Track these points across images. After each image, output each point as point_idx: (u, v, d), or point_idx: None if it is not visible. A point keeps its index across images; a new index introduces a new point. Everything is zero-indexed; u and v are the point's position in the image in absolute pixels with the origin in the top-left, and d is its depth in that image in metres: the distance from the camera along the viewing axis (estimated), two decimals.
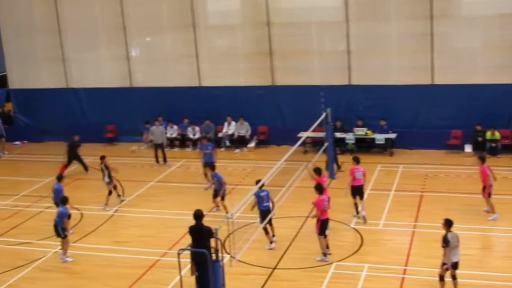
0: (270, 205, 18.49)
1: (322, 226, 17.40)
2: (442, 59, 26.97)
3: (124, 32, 30.70)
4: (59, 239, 18.56)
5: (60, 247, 18.76)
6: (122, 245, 19.27)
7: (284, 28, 28.95)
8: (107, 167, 22.37)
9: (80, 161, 27.16)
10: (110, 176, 22.36)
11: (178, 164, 27.38)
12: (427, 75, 27.18)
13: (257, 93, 29.37)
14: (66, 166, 26.71)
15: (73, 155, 26.90)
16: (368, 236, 18.75)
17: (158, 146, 27.50)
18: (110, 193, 22.43)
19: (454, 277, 15.10)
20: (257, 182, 17.89)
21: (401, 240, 18.44)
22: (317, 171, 19.65)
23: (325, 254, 17.38)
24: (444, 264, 15.01)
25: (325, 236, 17.63)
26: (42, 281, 17.38)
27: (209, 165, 22.32)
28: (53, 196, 20.72)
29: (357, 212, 20.17)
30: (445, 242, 14.82)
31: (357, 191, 19.95)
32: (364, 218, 19.80)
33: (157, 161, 27.42)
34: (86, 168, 27.07)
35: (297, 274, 16.74)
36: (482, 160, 19.99)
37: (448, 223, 14.99)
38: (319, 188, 17.54)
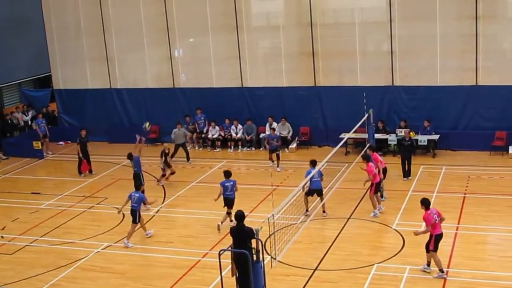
0: (234, 194, 20.39)
1: (436, 242, 16.29)
2: (487, 60, 26.71)
3: (168, 33, 31.02)
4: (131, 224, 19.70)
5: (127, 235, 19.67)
6: (164, 245, 19.52)
7: (327, 29, 28.99)
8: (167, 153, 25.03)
9: (87, 159, 27.39)
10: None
11: (220, 164, 27.58)
12: (471, 76, 26.92)
13: (299, 94, 29.45)
14: (86, 163, 27.18)
15: (84, 151, 27.08)
16: (410, 237, 18.60)
17: (178, 146, 28.09)
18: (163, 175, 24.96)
19: None
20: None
21: (443, 242, 18.11)
22: (366, 157, 20.61)
23: (442, 271, 16.38)
24: None
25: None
26: (85, 281, 17.64)
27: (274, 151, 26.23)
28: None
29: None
30: None
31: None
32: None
33: (172, 157, 27.76)
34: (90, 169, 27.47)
35: (338, 275, 16.77)
36: None
37: None
38: (426, 203, 16.49)
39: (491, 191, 22.31)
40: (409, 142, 24.60)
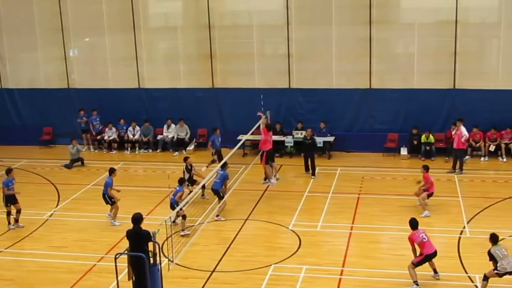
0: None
1: (424, 259, 15.77)
2: (381, 63, 27.53)
3: (62, 32, 30.28)
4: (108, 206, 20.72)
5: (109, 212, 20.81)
6: (58, 250, 18.95)
7: (225, 31, 29.04)
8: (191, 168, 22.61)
9: None
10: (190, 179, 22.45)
11: (116, 167, 27.02)
12: (365, 79, 27.65)
13: (197, 96, 29.38)
14: None
15: None
16: (306, 238, 18.94)
17: (74, 161, 27.48)
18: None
19: None
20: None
21: (338, 242, 18.69)
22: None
23: (416, 283, 15.64)
24: (495, 269, 14.85)
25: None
26: None
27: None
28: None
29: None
30: (490, 256, 14.91)
31: None
32: None
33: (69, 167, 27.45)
34: None
35: (236, 277, 16.79)
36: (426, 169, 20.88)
37: (492, 239, 15.01)
38: (412, 224, 16.02)
39: (384, 191, 22.96)
40: (310, 141, 25.00)
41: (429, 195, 20.64)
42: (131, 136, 29.41)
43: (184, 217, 19.28)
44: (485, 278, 15.04)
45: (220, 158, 24.62)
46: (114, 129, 29.61)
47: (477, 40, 27.37)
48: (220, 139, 25.44)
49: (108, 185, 20.66)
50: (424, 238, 15.74)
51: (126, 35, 29.67)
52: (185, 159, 22.80)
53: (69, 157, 27.47)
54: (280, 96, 28.41)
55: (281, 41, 28.30)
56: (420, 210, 20.36)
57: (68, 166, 27.25)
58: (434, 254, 15.81)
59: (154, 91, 29.90)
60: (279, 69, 28.46)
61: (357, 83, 27.85)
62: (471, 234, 18.88)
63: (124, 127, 29.66)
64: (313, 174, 24.65)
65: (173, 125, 29.21)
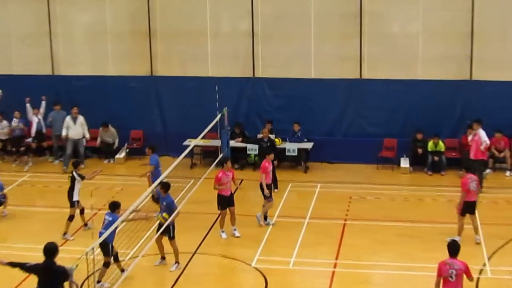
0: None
1: None
2: (374, 46, 27.58)
3: None
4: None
5: None
6: None
7: (168, 2, 28.96)
8: (81, 177, 21.38)
9: None
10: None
11: (20, 180, 26.73)
12: (354, 67, 27.78)
13: (130, 86, 29.30)
14: None
15: None
16: (273, 278, 18.70)
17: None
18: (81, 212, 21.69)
19: None
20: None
21: (317, 284, 18.49)
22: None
23: None
24: None
25: None
26: None
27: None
28: None
29: None
30: None
31: None
32: None
33: None
34: None
35: None
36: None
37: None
38: (450, 250, 15.10)
39: (378, 216, 22.94)
40: (268, 143, 25.22)
41: (471, 210, 20.40)
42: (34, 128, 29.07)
43: (106, 264, 18.27)
44: None
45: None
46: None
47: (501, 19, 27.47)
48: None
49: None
50: (451, 277, 14.81)
51: (36, 5, 29.44)
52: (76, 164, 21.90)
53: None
54: (241, 88, 28.49)
55: (243, 15, 28.26)
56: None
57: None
58: None
59: (74, 79, 29.86)
60: (240, 52, 28.57)
61: (342, 72, 27.94)
62: (493, 274, 18.81)
63: (21, 122, 29.15)
64: (275, 186, 24.53)
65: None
